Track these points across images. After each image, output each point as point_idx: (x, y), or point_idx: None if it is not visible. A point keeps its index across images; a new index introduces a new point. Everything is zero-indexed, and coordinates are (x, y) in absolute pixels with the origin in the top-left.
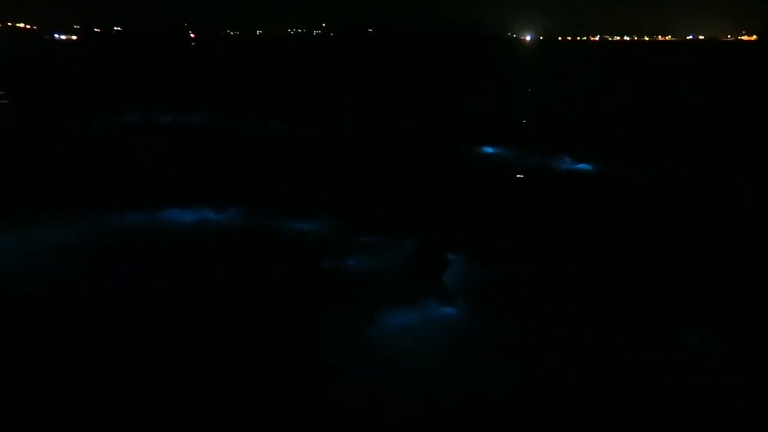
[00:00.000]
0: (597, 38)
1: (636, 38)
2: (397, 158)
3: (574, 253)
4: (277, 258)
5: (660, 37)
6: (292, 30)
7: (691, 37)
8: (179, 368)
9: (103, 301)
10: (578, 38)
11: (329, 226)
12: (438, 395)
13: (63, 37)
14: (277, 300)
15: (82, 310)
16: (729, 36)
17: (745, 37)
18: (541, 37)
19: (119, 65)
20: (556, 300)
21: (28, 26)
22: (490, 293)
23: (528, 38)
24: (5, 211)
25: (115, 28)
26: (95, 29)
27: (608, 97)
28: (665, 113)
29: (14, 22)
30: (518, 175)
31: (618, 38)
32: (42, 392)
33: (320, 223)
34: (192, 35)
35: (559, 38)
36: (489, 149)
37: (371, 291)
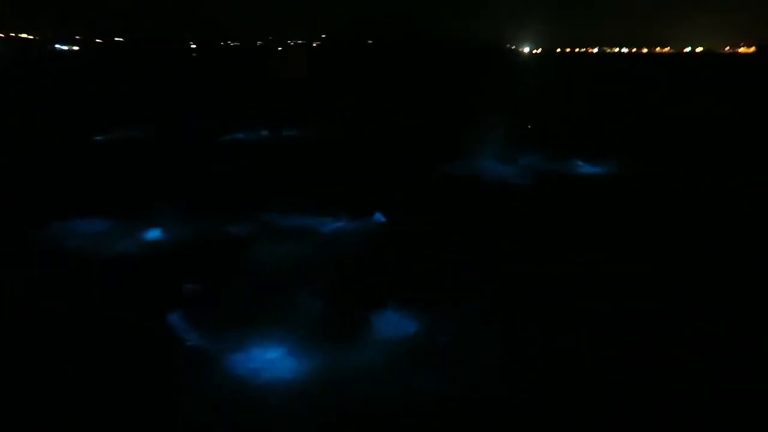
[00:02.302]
0: (596, 50)
1: (634, 50)
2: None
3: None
4: None
5: (658, 48)
6: (291, 41)
7: (688, 49)
8: None
9: None
10: (577, 50)
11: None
12: None
13: (65, 47)
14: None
15: None
16: (727, 48)
17: (742, 50)
18: (539, 50)
19: (120, 75)
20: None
21: (30, 36)
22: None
23: (526, 50)
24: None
25: (116, 38)
26: (97, 39)
27: (602, 102)
28: (661, 118)
29: (17, 32)
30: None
31: (617, 50)
32: None
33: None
34: (193, 45)
35: (558, 50)
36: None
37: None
